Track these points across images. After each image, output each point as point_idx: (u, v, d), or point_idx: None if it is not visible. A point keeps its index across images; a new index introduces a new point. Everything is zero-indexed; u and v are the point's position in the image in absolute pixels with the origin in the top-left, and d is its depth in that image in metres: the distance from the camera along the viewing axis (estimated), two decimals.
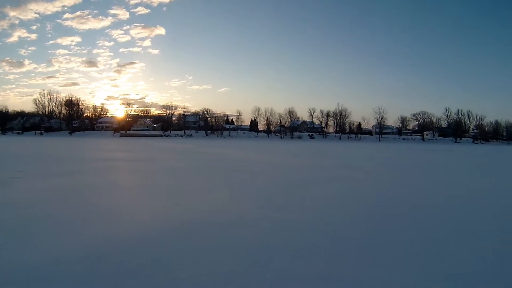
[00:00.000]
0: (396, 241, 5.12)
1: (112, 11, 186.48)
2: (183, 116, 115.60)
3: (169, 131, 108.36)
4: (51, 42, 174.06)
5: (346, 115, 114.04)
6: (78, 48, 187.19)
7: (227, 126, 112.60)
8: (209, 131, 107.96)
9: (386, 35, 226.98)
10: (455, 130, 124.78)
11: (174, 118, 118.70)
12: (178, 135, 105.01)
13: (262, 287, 3.56)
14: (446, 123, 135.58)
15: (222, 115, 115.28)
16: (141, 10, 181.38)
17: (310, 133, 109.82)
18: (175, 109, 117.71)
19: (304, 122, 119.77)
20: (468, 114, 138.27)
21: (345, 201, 8.48)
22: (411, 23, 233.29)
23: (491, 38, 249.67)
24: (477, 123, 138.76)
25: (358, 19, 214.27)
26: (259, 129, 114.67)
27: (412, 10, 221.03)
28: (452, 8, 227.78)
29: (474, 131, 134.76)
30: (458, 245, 5.11)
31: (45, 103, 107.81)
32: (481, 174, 17.73)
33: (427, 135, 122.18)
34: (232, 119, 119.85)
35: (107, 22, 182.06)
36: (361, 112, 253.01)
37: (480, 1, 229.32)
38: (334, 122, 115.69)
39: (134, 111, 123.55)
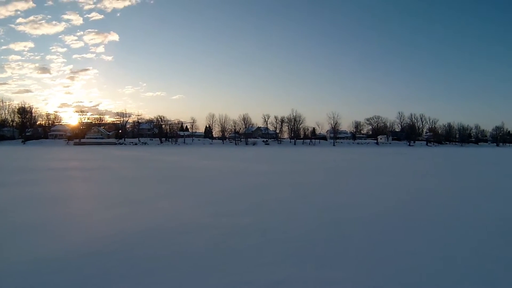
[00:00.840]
0: (339, 243, 5.38)
1: (65, 16, 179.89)
2: (137, 124, 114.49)
3: (123, 139, 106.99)
4: (3, 47, 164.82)
5: (301, 121, 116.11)
6: (31, 54, 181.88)
7: (181, 133, 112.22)
8: (163, 139, 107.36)
9: (337, 41, 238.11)
10: (409, 133, 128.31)
11: (128, 126, 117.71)
12: (132, 143, 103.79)
13: None
14: (400, 127, 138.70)
15: (176, 122, 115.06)
16: (95, 16, 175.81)
17: (265, 139, 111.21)
18: (129, 116, 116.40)
19: (259, 128, 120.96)
20: (421, 118, 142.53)
21: (296, 205, 8.66)
22: (361, 28, 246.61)
23: (442, 42, 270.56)
24: (430, 126, 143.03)
25: (310, 23, 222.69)
26: (214, 136, 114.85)
27: (363, 14, 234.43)
28: (398, 12, 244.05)
29: (428, 134, 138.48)
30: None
31: None
32: (424, 176, 18.01)
33: (381, 139, 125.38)
34: (186, 126, 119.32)
35: (60, 27, 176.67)
36: (316, 118, 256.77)
37: (427, 5, 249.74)
38: (288, 128, 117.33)
39: (88, 119, 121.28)
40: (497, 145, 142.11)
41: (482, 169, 23.84)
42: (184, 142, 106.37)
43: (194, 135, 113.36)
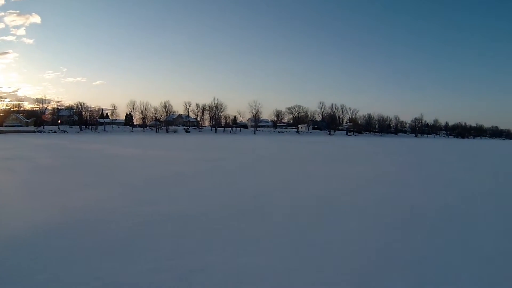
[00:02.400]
0: (261, 228, 5.85)
1: None
2: (57, 111, 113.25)
3: (42, 126, 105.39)
4: None
5: (222, 109, 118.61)
6: None
7: (102, 120, 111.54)
8: (83, 126, 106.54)
9: (261, 30, 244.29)
10: (329, 123, 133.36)
11: (47, 113, 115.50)
12: (51, 130, 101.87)
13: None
14: (321, 117, 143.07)
15: (97, 109, 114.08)
16: None
17: (186, 127, 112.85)
18: (49, 103, 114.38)
19: (180, 116, 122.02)
20: (342, 108, 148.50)
21: (211, 193, 8.97)
22: (285, 17, 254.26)
23: (365, 35, 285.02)
24: (350, 116, 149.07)
25: (231, 10, 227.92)
26: (135, 123, 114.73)
27: (287, 5, 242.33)
28: (324, 4, 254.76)
29: (348, 124, 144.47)
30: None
31: None
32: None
33: (301, 128, 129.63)
34: (107, 113, 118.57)
35: None
36: (237, 106, 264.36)
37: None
38: (210, 116, 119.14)
39: (6, 106, 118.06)
40: (416, 136, 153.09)
41: (379, 157, 25.86)
42: (105, 130, 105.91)
43: (114, 122, 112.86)
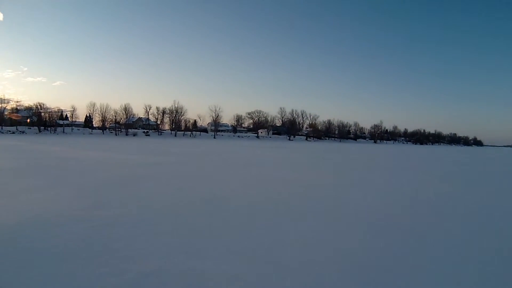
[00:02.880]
0: (213, 233, 5.84)
1: None
2: (16, 111, 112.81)
3: (0, 127, 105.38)
4: None
5: (182, 113, 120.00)
6: None
7: (61, 122, 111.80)
8: (42, 128, 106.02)
9: (222, 34, 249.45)
10: (289, 128, 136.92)
11: (6, 113, 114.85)
12: (10, 131, 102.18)
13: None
14: (281, 122, 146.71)
15: (56, 110, 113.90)
16: None
17: (146, 130, 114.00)
18: (8, 103, 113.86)
19: (140, 119, 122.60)
20: (302, 114, 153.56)
21: (172, 196, 8.96)
22: (247, 22, 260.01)
23: (325, 41, 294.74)
24: (310, 122, 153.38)
25: (194, 14, 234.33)
26: (94, 125, 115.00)
27: (248, 10, 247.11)
28: (285, 10, 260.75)
29: (308, 129, 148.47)
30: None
31: None
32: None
33: (261, 132, 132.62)
34: (66, 115, 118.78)
35: None
36: (198, 110, 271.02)
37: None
38: (170, 119, 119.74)
39: None
40: (375, 142, 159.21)
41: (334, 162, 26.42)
42: (64, 132, 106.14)
43: (74, 124, 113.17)
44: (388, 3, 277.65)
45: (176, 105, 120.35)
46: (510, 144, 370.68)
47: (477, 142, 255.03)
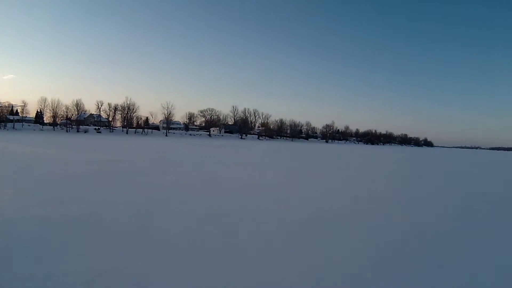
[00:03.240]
0: (158, 231, 5.90)
1: None
2: None
3: None
4: None
5: (134, 109, 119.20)
6: None
7: (11, 117, 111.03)
8: None
9: (175, 31, 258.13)
10: (241, 127, 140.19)
11: None
12: None
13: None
14: (233, 120, 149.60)
15: (7, 105, 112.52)
16: None
17: (97, 127, 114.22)
18: None
19: (91, 115, 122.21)
20: (254, 112, 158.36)
21: (114, 196, 8.91)
22: (201, 20, 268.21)
23: (277, 41, 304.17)
24: (262, 121, 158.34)
25: (149, 8, 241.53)
26: (45, 121, 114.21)
27: (201, 9, 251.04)
28: (235, 9, 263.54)
29: (260, 128, 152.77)
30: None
31: None
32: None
33: (213, 131, 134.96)
34: (17, 110, 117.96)
35: None
36: (150, 107, 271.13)
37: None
38: (121, 116, 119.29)
39: None
40: (326, 142, 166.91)
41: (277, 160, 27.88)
42: (14, 128, 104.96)
43: (24, 120, 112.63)
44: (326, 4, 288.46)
45: (128, 102, 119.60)
46: (459, 146, 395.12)
47: (428, 143, 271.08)
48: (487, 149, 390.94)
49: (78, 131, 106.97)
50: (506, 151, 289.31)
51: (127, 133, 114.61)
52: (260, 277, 4.21)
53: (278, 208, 8.32)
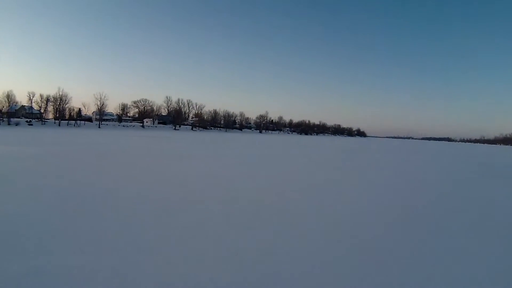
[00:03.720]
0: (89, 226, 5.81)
1: None
2: None
3: None
4: None
5: (67, 101, 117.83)
6: None
7: None
8: None
9: (108, 22, 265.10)
10: (175, 118, 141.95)
11: None
12: None
13: None
14: (167, 111, 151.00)
15: None
16: None
17: (29, 119, 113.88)
18: None
19: (23, 107, 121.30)
20: (188, 103, 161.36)
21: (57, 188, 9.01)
22: (132, 11, 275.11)
23: (211, 33, 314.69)
24: (196, 111, 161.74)
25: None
26: None
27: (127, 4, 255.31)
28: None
29: (194, 119, 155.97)
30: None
31: None
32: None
33: (147, 122, 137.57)
34: None
35: None
36: (83, 98, 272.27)
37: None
38: (54, 108, 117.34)
39: None
40: (260, 132, 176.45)
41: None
42: None
43: None
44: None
45: (60, 93, 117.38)
46: (393, 136, 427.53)
47: (361, 133, 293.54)
48: (418, 139, 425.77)
49: (9, 124, 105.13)
50: (436, 141, 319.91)
51: (59, 125, 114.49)
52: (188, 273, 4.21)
53: (194, 199, 8.49)
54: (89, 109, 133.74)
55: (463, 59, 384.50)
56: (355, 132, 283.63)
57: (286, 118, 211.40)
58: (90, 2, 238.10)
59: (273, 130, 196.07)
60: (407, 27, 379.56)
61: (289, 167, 17.80)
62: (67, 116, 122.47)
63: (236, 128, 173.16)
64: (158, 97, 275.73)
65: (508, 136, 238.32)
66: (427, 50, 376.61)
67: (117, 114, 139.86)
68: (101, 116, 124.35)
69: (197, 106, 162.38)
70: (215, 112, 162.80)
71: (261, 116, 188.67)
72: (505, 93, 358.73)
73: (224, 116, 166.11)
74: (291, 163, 20.46)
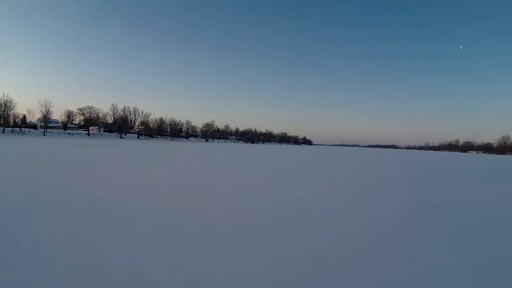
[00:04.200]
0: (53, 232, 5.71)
1: None
2: None
3: None
4: None
5: (12, 107, 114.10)
6: None
7: None
8: None
9: (53, 24, 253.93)
10: (121, 125, 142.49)
11: None
12: None
13: None
14: (113, 119, 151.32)
15: None
16: None
17: None
18: None
19: None
20: (134, 111, 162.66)
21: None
22: (83, 14, 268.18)
23: (157, 38, 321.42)
24: (142, 119, 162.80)
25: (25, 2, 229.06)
26: None
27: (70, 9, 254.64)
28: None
29: (140, 127, 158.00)
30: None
31: None
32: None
33: (93, 130, 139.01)
34: None
35: None
36: (28, 104, 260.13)
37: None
38: None
39: None
40: (206, 140, 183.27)
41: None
42: None
43: None
44: None
45: (5, 98, 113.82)
46: (338, 144, 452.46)
47: (307, 141, 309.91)
48: (364, 146, 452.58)
49: None
50: (381, 148, 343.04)
51: (3, 132, 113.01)
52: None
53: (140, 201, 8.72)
54: (34, 116, 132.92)
55: (402, 66, 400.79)
56: (301, 140, 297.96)
57: (233, 127, 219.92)
58: (31, 8, 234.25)
59: (219, 138, 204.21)
60: (347, 31, 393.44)
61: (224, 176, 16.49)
62: (11, 123, 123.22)
63: (182, 136, 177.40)
64: (104, 104, 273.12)
65: (452, 143, 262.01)
66: (377, 54, 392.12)
67: (62, 122, 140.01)
68: (46, 124, 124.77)
69: (143, 114, 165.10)
70: (161, 120, 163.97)
71: (207, 125, 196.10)
72: (450, 101, 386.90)
73: (170, 124, 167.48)
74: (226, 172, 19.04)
